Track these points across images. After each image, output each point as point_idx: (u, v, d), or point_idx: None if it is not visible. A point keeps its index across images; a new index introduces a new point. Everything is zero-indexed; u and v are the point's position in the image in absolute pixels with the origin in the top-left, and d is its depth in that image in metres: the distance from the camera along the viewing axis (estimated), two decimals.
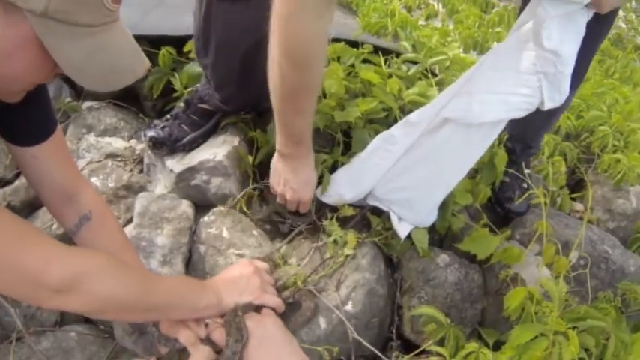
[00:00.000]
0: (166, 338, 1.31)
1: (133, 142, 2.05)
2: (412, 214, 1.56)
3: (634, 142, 2.44)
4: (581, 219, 2.17)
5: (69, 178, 1.34)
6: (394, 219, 1.56)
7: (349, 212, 1.58)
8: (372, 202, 1.60)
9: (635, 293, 1.78)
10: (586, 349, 1.44)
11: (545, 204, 1.60)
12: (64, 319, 1.60)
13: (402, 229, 1.56)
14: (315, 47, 1.22)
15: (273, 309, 1.34)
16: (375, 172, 1.55)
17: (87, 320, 1.60)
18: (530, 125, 1.81)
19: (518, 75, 1.38)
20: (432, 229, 1.64)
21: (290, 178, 1.52)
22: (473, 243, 1.61)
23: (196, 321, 1.29)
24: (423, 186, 1.53)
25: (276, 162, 1.54)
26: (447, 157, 1.50)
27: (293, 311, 1.41)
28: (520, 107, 1.39)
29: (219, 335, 1.25)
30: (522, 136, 1.87)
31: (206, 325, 1.30)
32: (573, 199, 2.27)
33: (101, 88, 1.02)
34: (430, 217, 1.60)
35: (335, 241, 1.52)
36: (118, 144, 2.01)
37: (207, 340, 1.25)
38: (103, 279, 1.07)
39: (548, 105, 1.39)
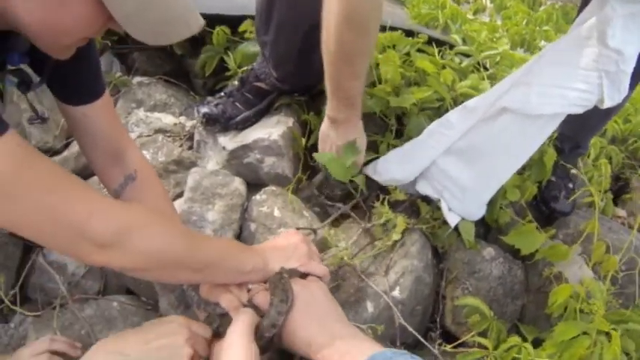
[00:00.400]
0: (206, 302, 1.29)
1: (182, 118, 2.07)
2: (462, 205, 1.56)
3: None
4: (623, 224, 2.16)
5: (117, 137, 1.36)
6: (444, 207, 1.56)
7: (400, 196, 1.59)
8: (422, 189, 1.60)
9: None
10: (626, 353, 1.44)
11: (597, 203, 1.60)
12: (107, 288, 1.61)
13: (452, 218, 1.56)
14: (375, 11, 1.26)
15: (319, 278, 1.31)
16: (430, 153, 1.56)
17: (129, 292, 1.62)
18: (583, 124, 1.81)
19: (578, 71, 1.38)
20: (478, 222, 1.64)
21: (342, 144, 1.53)
22: (518, 237, 1.61)
23: (239, 286, 1.25)
24: (477, 174, 1.53)
25: (327, 129, 1.55)
26: (502, 147, 1.50)
27: (337, 290, 1.42)
28: (578, 103, 1.39)
29: (262, 299, 1.20)
30: (573, 135, 1.87)
31: (248, 290, 1.25)
32: (616, 205, 2.26)
33: (153, 41, 0.99)
34: (480, 210, 1.60)
35: (384, 224, 1.53)
36: (167, 120, 2.03)
37: (250, 304, 1.21)
38: (148, 234, 1.04)
39: (607, 103, 1.38)
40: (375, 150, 1.70)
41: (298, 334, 1.12)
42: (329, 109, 1.47)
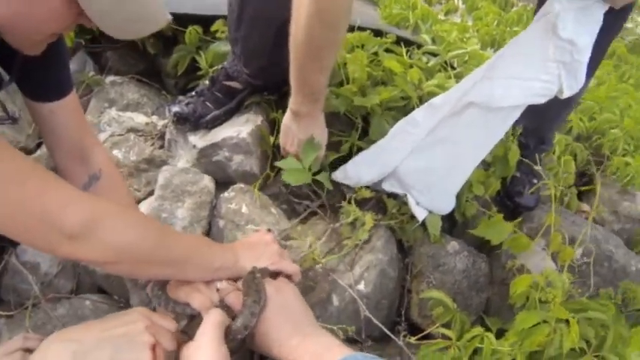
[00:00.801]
0: (175, 302, 1.26)
1: (154, 117, 2.09)
2: (430, 200, 1.60)
3: None
4: (587, 218, 2.22)
5: (83, 136, 1.38)
6: (411, 202, 1.60)
7: (366, 194, 1.62)
8: (389, 187, 1.64)
9: (635, 292, 1.83)
10: (586, 340, 1.49)
11: (555, 196, 1.65)
12: (79, 287, 1.62)
13: (419, 213, 1.60)
14: (346, 7, 1.27)
15: (289, 277, 1.33)
16: (396, 155, 1.59)
17: (102, 290, 1.63)
18: (544, 116, 1.85)
19: (539, 62, 1.43)
20: (443, 216, 1.68)
21: (303, 138, 1.56)
22: (488, 229, 1.64)
23: (207, 285, 1.23)
24: (442, 168, 1.58)
25: (289, 122, 1.57)
26: (467, 140, 1.54)
27: (307, 292, 1.44)
28: (539, 93, 1.44)
29: (234, 299, 1.19)
30: (536, 128, 1.91)
31: (217, 290, 1.24)
32: (581, 200, 2.31)
33: (122, 36, 1.03)
34: (449, 204, 1.64)
35: (352, 223, 1.57)
36: (139, 119, 2.04)
37: (221, 305, 1.19)
38: (119, 226, 1.04)
39: (567, 93, 1.44)
40: (338, 150, 1.73)
41: (270, 336, 1.12)
42: (292, 102, 1.50)
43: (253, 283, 1.18)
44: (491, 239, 1.66)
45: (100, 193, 1.35)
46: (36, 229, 0.95)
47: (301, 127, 1.55)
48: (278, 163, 1.60)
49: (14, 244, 1.58)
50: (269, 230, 1.49)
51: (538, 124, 1.90)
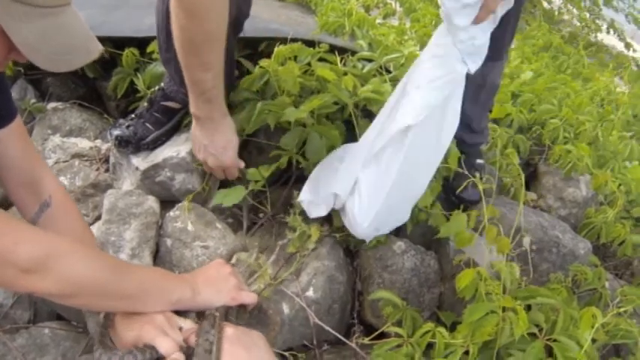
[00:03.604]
0: (143, 348, 1.15)
1: (98, 141, 2.09)
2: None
3: (583, 133, 2.55)
4: (534, 207, 2.28)
5: (31, 163, 1.37)
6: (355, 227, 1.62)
7: None
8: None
9: (585, 274, 1.88)
10: (537, 326, 1.53)
11: (491, 188, 1.68)
12: (37, 316, 1.62)
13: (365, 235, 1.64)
14: None
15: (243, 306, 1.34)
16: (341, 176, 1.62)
17: (59, 317, 1.62)
18: (467, 107, 1.88)
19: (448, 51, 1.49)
20: None
21: (207, 143, 1.57)
22: (449, 229, 1.68)
23: (169, 321, 1.20)
24: (402, 202, 1.62)
25: (194, 128, 1.59)
26: (420, 163, 1.58)
27: (260, 323, 1.44)
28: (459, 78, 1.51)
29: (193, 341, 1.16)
30: (464, 121, 1.94)
31: (180, 329, 1.22)
32: (528, 189, 2.37)
33: (56, 68, 1.05)
34: (402, 221, 1.68)
35: (299, 236, 1.58)
36: (83, 144, 2.04)
37: (186, 348, 1.16)
38: (73, 260, 1.06)
39: (472, 68, 1.51)
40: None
41: None
42: (191, 105, 1.51)
43: (211, 328, 1.16)
44: (454, 238, 1.68)
45: (52, 219, 1.35)
46: None
47: (203, 132, 1.56)
48: (215, 199, 1.63)
49: None
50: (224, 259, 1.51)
51: (465, 116, 1.91)
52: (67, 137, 2.09)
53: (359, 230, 1.60)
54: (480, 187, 1.78)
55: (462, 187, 1.87)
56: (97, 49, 1.08)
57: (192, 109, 1.52)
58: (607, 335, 1.61)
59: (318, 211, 1.62)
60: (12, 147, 1.32)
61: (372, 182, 1.56)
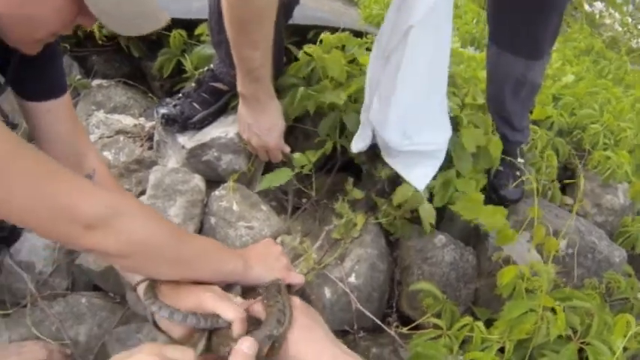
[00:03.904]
0: (202, 317, 1.08)
1: (142, 119, 2.11)
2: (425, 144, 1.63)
3: (624, 140, 2.53)
4: (571, 211, 2.26)
5: (77, 137, 1.39)
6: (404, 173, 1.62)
7: (357, 195, 1.65)
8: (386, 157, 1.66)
9: (618, 283, 1.87)
10: (572, 328, 1.52)
11: (538, 189, 1.68)
12: (74, 286, 1.64)
13: (418, 181, 1.62)
14: None
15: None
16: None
17: (96, 288, 1.64)
18: (510, 103, 1.89)
19: None
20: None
21: (252, 123, 1.58)
22: (490, 219, 1.66)
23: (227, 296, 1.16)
24: (417, 96, 1.57)
25: (240, 107, 1.60)
26: (421, 61, 1.53)
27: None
28: None
29: (259, 309, 1.13)
30: (506, 118, 1.94)
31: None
32: (564, 193, 2.35)
33: (126, 32, 1.07)
34: (446, 133, 1.67)
35: (345, 224, 1.59)
36: (127, 121, 2.07)
37: (249, 318, 1.10)
38: (135, 220, 1.04)
39: None
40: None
41: (303, 352, 1.06)
42: (238, 84, 1.53)
43: (279, 294, 1.14)
44: (489, 225, 1.66)
45: None
46: (55, 222, 0.96)
47: (249, 112, 1.57)
48: (262, 184, 1.63)
49: (8, 244, 1.59)
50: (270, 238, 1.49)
51: (506, 112, 1.93)
52: (110, 114, 2.12)
53: (387, 137, 1.57)
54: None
55: (504, 185, 1.88)
56: (166, 18, 1.10)
57: (239, 87, 1.54)
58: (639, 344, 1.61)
59: (357, 143, 1.63)
60: (60, 119, 1.34)
61: (385, 84, 1.55)
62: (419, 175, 1.63)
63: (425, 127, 1.63)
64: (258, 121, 1.59)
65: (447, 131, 1.68)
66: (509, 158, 1.96)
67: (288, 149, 1.69)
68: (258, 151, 1.68)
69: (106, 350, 1.46)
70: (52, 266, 1.60)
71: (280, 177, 1.60)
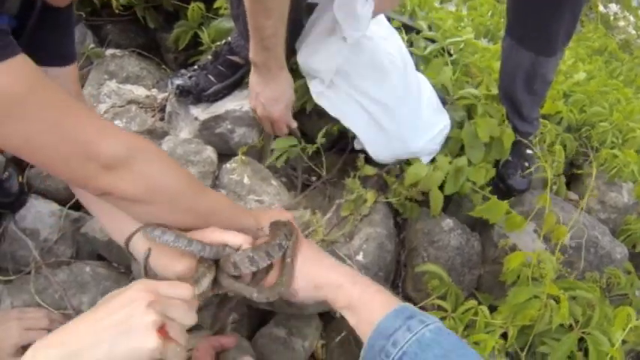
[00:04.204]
0: (208, 245, 1.06)
1: (154, 90, 2.10)
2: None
3: (632, 140, 2.53)
4: (576, 206, 2.27)
5: None
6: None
7: (369, 171, 1.66)
8: None
9: (619, 279, 1.89)
10: (573, 318, 1.54)
11: (549, 177, 1.69)
12: (79, 254, 1.63)
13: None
14: None
15: None
16: None
17: (100, 257, 1.63)
18: (518, 94, 1.91)
19: None
20: None
21: (259, 91, 1.58)
22: (485, 210, 1.67)
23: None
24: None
25: (251, 75, 1.60)
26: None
27: None
28: None
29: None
30: (518, 110, 1.96)
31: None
32: (569, 189, 2.36)
33: None
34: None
35: (355, 200, 1.60)
36: (139, 91, 2.06)
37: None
38: (155, 163, 1.01)
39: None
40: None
41: (321, 277, 1.06)
42: (250, 51, 1.53)
43: (284, 227, 1.13)
44: (489, 218, 1.69)
45: None
46: (73, 159, 0.92)
47: (259, 79, 1.57)
48: (276, 144, 1.64)
49: (13, 210, 1.58)
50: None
51: (517, 103, 1.95)
52: (123, 84, 2.11)
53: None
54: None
55: (512, 175, 1.90)
56: None
57: (251, 55, 1.53)
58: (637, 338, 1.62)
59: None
60: (69, 85, 1.32)
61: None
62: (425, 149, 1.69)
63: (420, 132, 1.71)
64: (265, 90, 1.58)
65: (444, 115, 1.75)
66: (524, 141, 1.98)
67: (294, 124, 1.69)
68: (263, 122, 1.68)
69: None
70: (57, 234, 1.59)
71: (289, 142, 1.61)
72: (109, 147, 0.93)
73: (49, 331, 1.29)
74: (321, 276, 1.05)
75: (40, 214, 1.60)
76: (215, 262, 1.09)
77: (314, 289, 1.04)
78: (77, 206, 1.63)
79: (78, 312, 1.44)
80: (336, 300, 1.02)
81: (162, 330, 0.83)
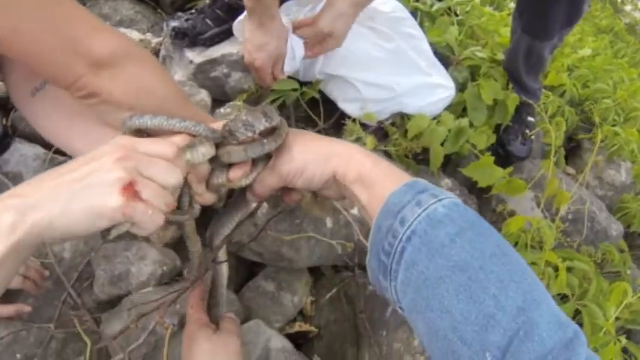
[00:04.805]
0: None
1: (148, 35, 2.02)
2: None
3: (634, 119, 2.50)
4: (574, 180, 2.24)
5: None
6: None
7: (370, 118, 1.61)
8: None
9: (612, 255, 1.86)
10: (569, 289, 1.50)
11: (554, 145, 1.64)
12: None
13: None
14: None
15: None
16: None
17: None
18: (520, 66, 1.90)
19: None
20: None
21: (248, 37, 1.52)
22: (476, 170, 1.63)
23: None
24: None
25: (243, 17, 1.55)
26: None
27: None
28: None
29: None
30: (518, 77, 1.94)
31: None
32: (567, 163, 2.33)
33: None
34: None
35: (355, 141, 1.54)
36: (133, 35, 1.98)
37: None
38: (147, 66, 0.93)
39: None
40: None
41: (331, 145, 0.91)
42: None
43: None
44: (478, 180, 1.64)
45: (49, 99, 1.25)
46: (61, 53, 0.84)
47: (248, 25, 1.51)
48: (276, 86, 1.58)
49: None
50: None
51: (518, 73, 1.92)
52: (116, 27, 2.03)
53: None
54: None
55: (512, 141, 1.86)
56: None
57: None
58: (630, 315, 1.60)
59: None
60: None
61: None
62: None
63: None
64: (252, 36, 1.52)
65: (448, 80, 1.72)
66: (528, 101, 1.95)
67: (282, 76, 1.61)
68: (249, 66, 1.59)
69: (90, 268, 1.38)
70: None
71: (290, 85, 1.57)
72: (102, 44, 0.86)
73: (25, 277, 1.26)
74: (331, 147, 0.91)
75: (24, 158, 1.53)
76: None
77: (324, 160, 0.89)
78: (62, 150, 1.56)
79: (59, 260, 1.39)
80: (347, 172, 0.88)
81: (129, 188, 0.73)
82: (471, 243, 0.71)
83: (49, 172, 0.75)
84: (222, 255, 1.09)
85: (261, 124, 0.87)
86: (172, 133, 0.88)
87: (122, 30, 1.99)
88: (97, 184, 0.72)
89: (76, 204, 0.71)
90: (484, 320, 0.65)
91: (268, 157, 0.94)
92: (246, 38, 1.53)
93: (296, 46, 1.55)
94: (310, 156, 0.90)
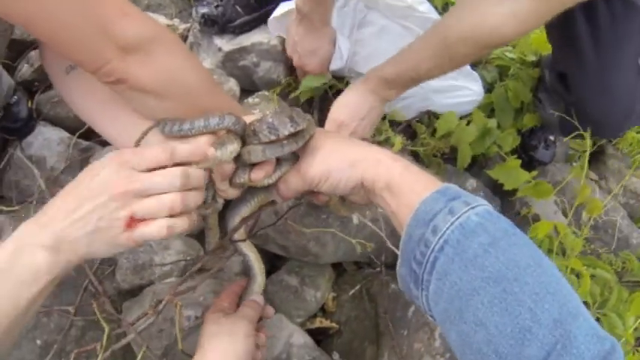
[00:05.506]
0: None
1: (176, 20, 2.01)
2: None
3: None
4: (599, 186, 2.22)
5: None
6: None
7: (399, 116, 1.60)
8: None
9: (633, 264, 1.84)
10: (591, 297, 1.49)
11: (584, 152, 1.62)
12: None
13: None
14: None
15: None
16: None
17: None
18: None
19: None
20: None
21: (299, 41, 1.53)
22: (502, 172, 1.62)
23: None
24: None
25: (292, 21, 1.55)
26: None
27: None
28: None
29: None
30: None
31: None
32: (589, 168, 2.31)
33: None
34: None
35: (382, 143, 1.53)
36: (160, 20, 1.97)
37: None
38: (177, 53, 0.93)
39: None
40: None
41: (357, 151, 0.91)
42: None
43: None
44: (504, 183, 1.63)
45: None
46: (89, 36, 0.83)
47: (298, 29, 1.53)
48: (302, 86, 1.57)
49: (20, 137, 1.52)
50: None
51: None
52: (144, 11, 2.02)
53: None
54: None
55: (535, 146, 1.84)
56: None
57: (298, 3, 1.48)
58: None
59: None
60: None
61: None
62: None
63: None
64: (303, 40, 1.54)
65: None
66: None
67: (326, 73, 1.62)
68: (297, 70, 1.64)
69: (113, 256, 1.38)
70: (65, 163, 1.52)
71: (320, 80, 1.55)
72: (131, 28, 0.85)
73: None
74: (358, 152, 0.91)
75: (48, 141, 1.53)
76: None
77: (349, 167, 0.89)
78: (87, 135, 1.57)
79: None
80: (375, 179, 0.87)
81: (131, 221, 0.81)
82: (504, 254, 0.70)
83: (60, 201, 0.82)
84: (239, 235, 1.11)
85: (286, 129, 0.88)
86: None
87: (149, 14, 1.98)
88: (105, 227, 0.80)
89: (96, 244, 0.80)
90: (520, 334, 0.64)
91: (296, 157, 0.94)
92: (295, 41, 1.54)
93: (343, 46, 1.56)
94: (334, 162, 0.90)
